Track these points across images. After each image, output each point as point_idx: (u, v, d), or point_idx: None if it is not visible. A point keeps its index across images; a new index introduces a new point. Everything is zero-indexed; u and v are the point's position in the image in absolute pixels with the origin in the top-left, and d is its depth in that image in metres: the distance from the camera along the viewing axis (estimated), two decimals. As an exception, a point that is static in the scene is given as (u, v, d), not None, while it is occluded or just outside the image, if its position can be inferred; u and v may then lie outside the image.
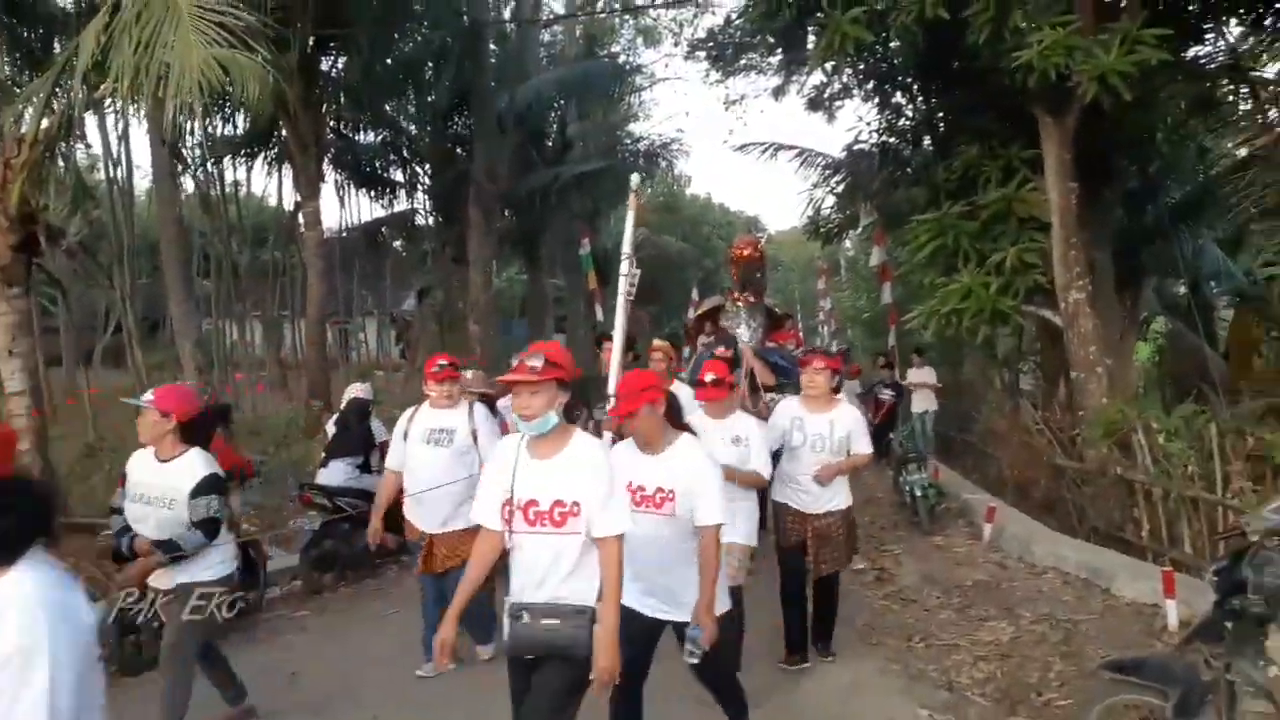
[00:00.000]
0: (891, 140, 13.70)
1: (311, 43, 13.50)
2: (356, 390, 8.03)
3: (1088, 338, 9.42)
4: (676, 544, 3.75)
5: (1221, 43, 10.57)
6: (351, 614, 6.83)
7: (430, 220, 22.46)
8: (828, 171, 15.14)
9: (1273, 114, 9.39)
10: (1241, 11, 10.08)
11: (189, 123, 13.06)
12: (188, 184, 18.64)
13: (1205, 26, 10.43)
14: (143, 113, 11.15)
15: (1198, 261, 14.89)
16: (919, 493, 9.47)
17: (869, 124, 14.27)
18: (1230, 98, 10.55)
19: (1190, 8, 10.28)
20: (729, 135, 70.81)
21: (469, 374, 6.46)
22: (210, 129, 16.73)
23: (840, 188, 15.16)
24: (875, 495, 11.18)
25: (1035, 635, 5.92)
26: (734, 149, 18.39)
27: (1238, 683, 3.07)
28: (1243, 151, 11.08)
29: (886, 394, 14.00)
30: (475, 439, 5.52)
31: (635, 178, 5.98)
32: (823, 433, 5.43)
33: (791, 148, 15.38)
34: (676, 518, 3.72)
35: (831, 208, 15.59)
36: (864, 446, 5.48)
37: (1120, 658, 3.88)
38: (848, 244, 26.83)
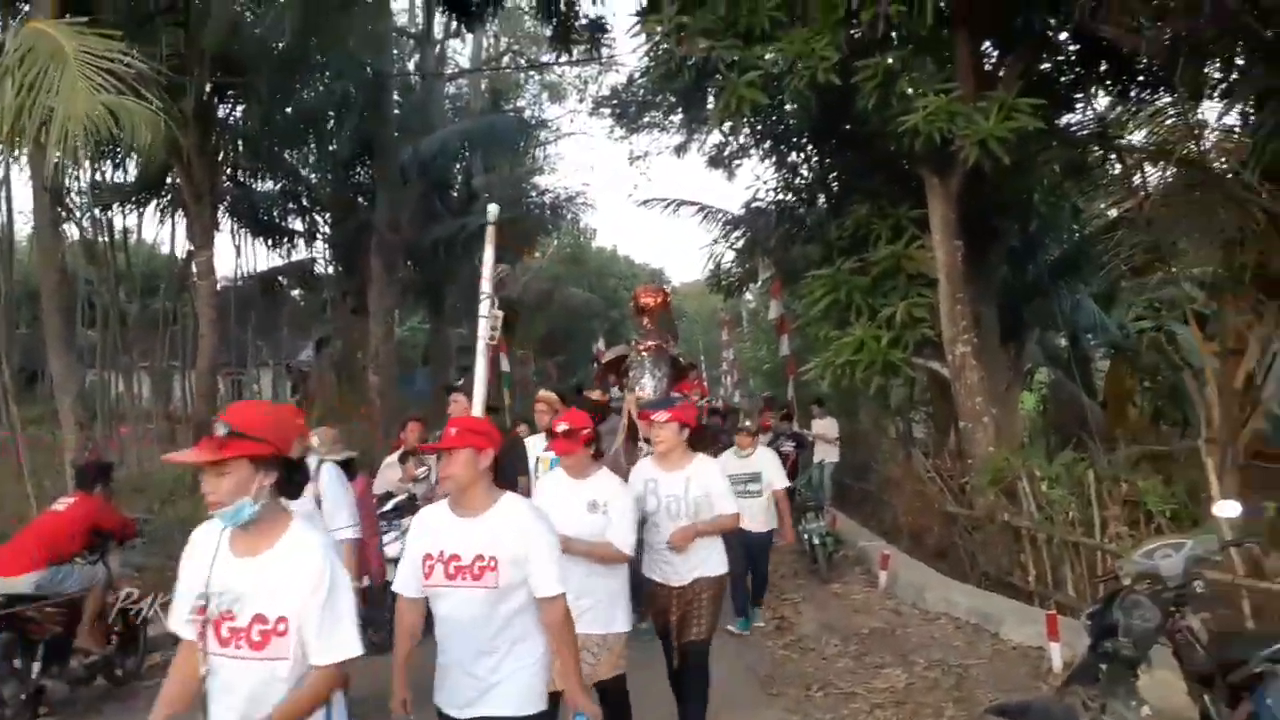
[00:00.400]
0: (788, 198, 14.14)
1: (209, 89, 13.24)
2: None
3: (974, 389, 9.81)
4: (499, 623, 3.11)
5: (1091, 111, 11.30)
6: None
7: (330, 270, 22.06)
8: (728, 227, 15.51)
9: (1138, 179, 10.04)
10: (1109, 83, 10.82)
11: (75, 169, 12.62)
12: (72, 231, 17.94)
13: (1076, 96, 11.15)
14: (24, 158, 10.73)
15: (1076, 316, 15.68)
16: (817, 541, 9.64)
17: (766, 183, 14.73)
18: (1100, 163, 11.24)
19: (1062, 79, 10.99)
20: (633, 190, 71.98)
21: (315, 435, 5.67)
22: (101, 175, 16.19)
23: (740, 243, 15.54)
24: (775, 544, 11.30)
25: (928, 681, 6.06)
26: (638, 203, 18.74)
27: (1112, 723, 3.20)
28: (1113, 213, 11.81)
29: (788, 446, 14.07)
30: (319, 505, 4.79)
31: (493, 209, 5.17)
32: (677, 494, 4.75)
33: (693, 204, 15.73)
34: (499, 589, 3.07)
35: (732, 262, 15.97)
36: (727, 505, 4.80)
37: (1005, 703, 4.01)
38: (749, 296, 27.40)
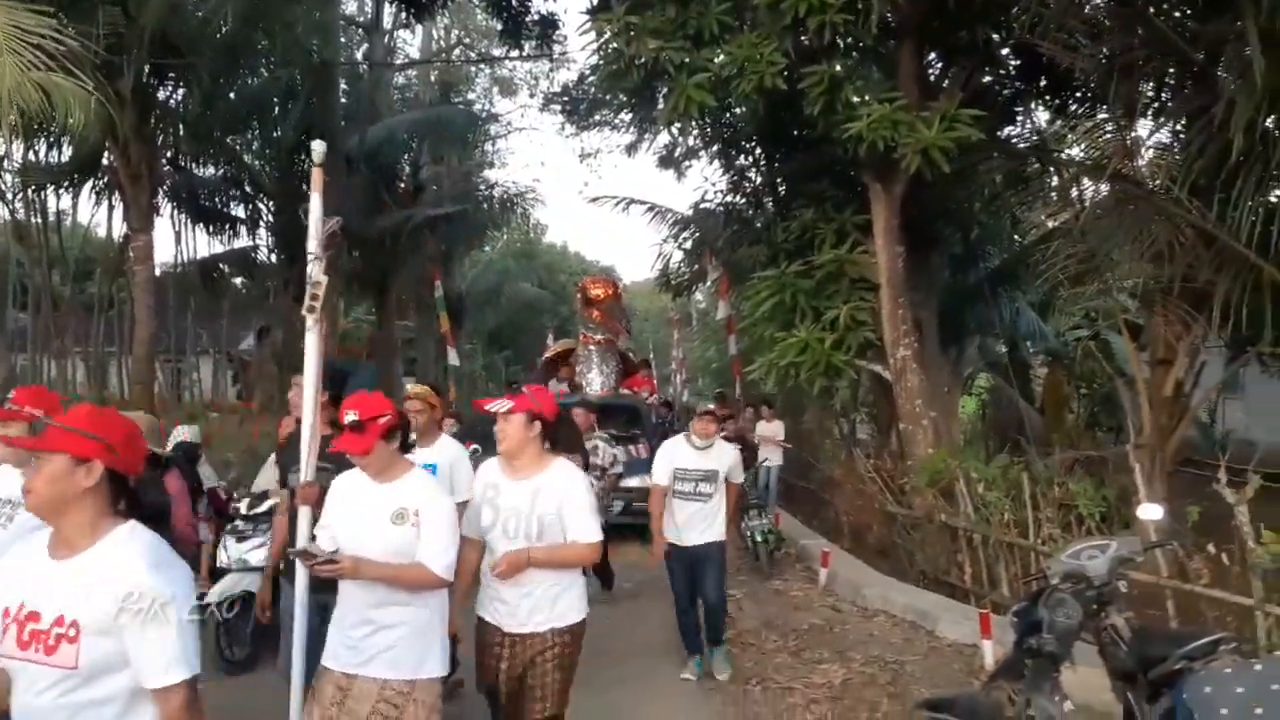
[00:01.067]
0: (736, 200, 14.25)
1: (148, 71, 12.93)
2: (183, 434, 7.64)
3: (914, 392, 9.98)
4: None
5: (1030, 125, 11.58)
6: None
7: (272, 258, 21.68)
8: (677, 227, 15.58)
9: (1075, 192, 10.30)
10: (1048, 98, 11.10)
11: (4, 147, 12.24)
12: (2, 211, 17.40)
13: (1016, 109, 11.42)
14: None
15: (1015, 323, 16.05)
16: (759, 538, 9.73)
17: (715, 184, 14.82)
18: (1039, 175, 11.53)
19: (1004, 92, 11.24)
20: (584, 187, 71.94)
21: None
22: (35, 154, 15.72)
23: (689, 243, 15.62)
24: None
25: (865, 677, 6.15)
26: (589, 200, 18.68)
27: (1036, 717, 3.29)
28: (1051, 224, 12.10)
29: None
30: None
31: (318, 146, 4.30)
32: (518, 507, 3.61)
33: (643, 203, 15.76)
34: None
35: (681, 262, 16.04)
36: (584, 529, 3.60)
37: (935, 697, 4.09)
38: (698, 296, 27.54)
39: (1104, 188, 9.94)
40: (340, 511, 3.41)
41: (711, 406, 6.88)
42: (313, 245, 4.09)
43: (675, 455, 6.27)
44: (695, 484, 6.18)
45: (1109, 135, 9.70)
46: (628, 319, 14.71)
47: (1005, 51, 10.78)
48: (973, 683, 5.88)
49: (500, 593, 3.62)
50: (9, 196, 16.79)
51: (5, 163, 15.33)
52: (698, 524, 6.15)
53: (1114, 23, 9.03)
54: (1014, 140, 11.44)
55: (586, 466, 6.56)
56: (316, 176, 4.23)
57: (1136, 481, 7.32)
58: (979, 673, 6.06)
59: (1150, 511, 4.50)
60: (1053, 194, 11.81)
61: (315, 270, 4.04)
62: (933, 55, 11.07)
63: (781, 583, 9.25)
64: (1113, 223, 9.07)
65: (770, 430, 13.41)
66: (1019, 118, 11.56)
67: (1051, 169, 11.10)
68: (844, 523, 11.61)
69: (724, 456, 6.33)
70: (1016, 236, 15.41)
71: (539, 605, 3.61)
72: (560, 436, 3.86)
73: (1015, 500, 7.89)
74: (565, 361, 14.23)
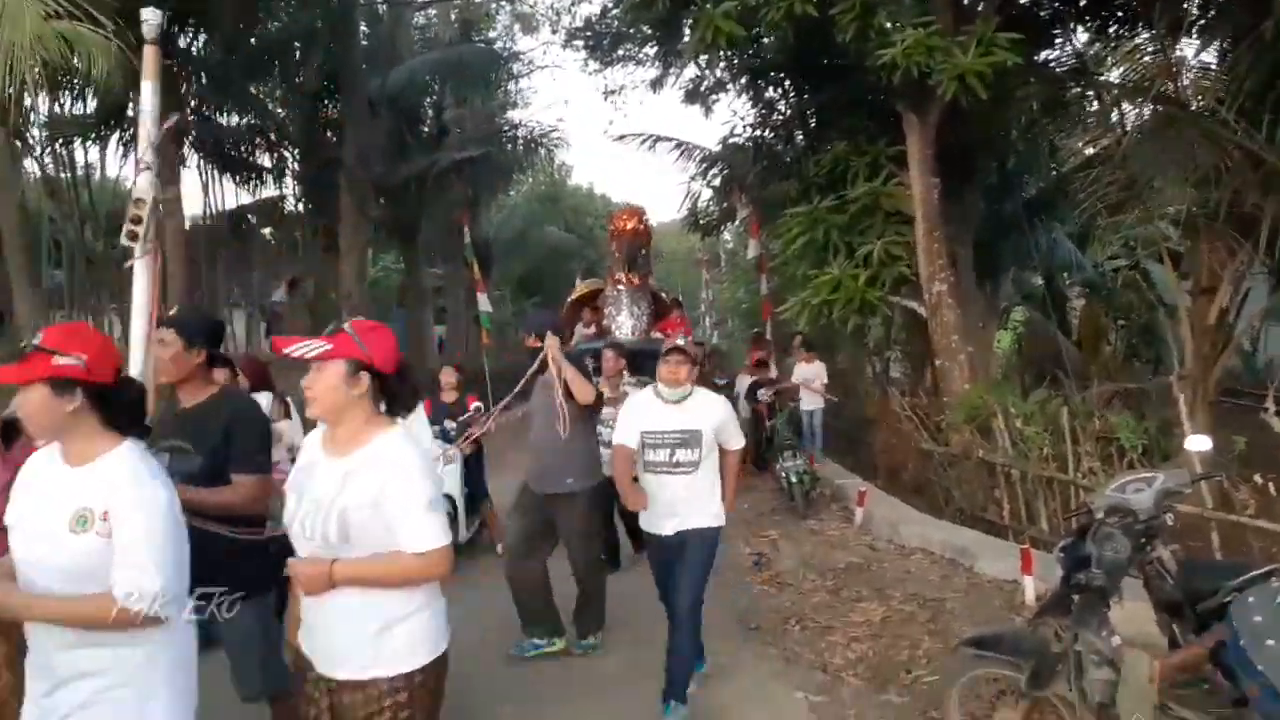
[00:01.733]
0: (765, 135, 13.97)
1: (168, 17, 12.81)
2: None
3: (950, 327, 9.83)
4: None
5: (1069, 47, 11.19)
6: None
7: (300, 207, 21.70)
8: (705, 164, 15.32)
9: (1115, 116, 9.99)
10: (1087, 19, 10.69)
11: (29, 100, 12.23)
12: (31, 167, 17.48)
13: (1055, 32, 11.01)
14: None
15: (1052, 254, 15.74)
16: (794, 479, 9.71)
17: (743, 119, 14.52)
18: (1078, 100, 11.17)
19: (1041, 14, 10.84)
20: (609, 126, 71.04)
21: None
22: (61, 106, 15.73)
23: (717, 180, 15.37)
24: (753, 484, 11.38)
25: (904, 615, 6.15)
26: (614, 139, 18.43)
27: (1084, 653, 3.24)
28: (1090, 150, 11.76)
29: (764, 396, 12.32)
30: None
31: (150, 14, 3.56)
32: (324, 496, 2.45)
33: (670, 139, 15.49)
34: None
35: (709, 200, 15.82)
36: (416, 536, 2.41)
37: (979, 634, 4.05)
38: (726, 236, 27.27)
39: (1146, 111, 9.64)
40: (20, 509, 2.37)
41: (680, 343, 4.79)
42: (144, 148, 3.18)
43: (641, 417, 4.65)
44: (671, 450, 4.57)
45: (1151, 56, 9.38)
46: (649, 252, 13.97)
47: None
48: (1014, 619, 5.85)
49: (308, 617, 2.55)
50: (37, 151, 16.86)
51: (32, 116, 15.35)
52: (691, 503, 4.59)
53: (1158, -63, 8.66)
54: (1052, 64, 11.06)
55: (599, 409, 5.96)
56: (149, 57, 3.36)
57: (1179, 413, 7.19)
58: (1020, 609, 6.03)
59: (1198, 443, 4.39)
60: (1092, 119, 11.46)
61: (143, 183, 3.19)
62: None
63: (818, 523, 9.25)
64: (1155, 147, 8.79)
65: (810, 372, 12.39)
66: (1057, 40, 11.16)
67: (1091, 93, 10.76)
68: (879, 461, 11.56)
69: (709, 412, 4.62)
70: (1054, 165, 15.01)
71: (357, 642, 2.42)
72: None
73: (1054, 435, 7.79)
74: (592, 303, 13.44)
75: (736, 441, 4.72)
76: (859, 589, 6.78)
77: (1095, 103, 10.81)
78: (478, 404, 8.02)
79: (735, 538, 8.68)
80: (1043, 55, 10.98)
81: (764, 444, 11.64)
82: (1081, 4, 10.50)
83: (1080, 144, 13.11)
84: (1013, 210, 13.93)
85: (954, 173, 10.76)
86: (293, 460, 3.46)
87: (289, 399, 6.13)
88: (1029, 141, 13.37)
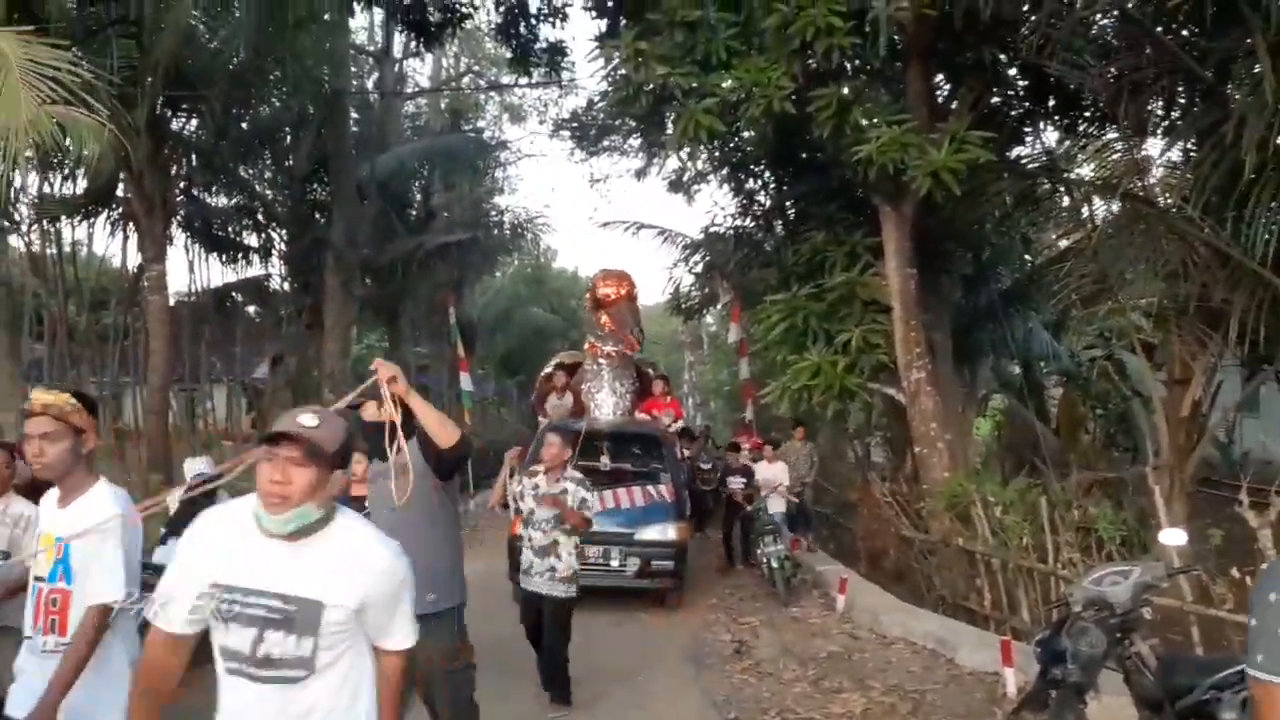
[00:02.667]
0: (746, 224, 14.27)
1: (161, 102, 13.06)
2: (201, 466, 7.61)
3: (929, 414, 9.91)
4: None
5: (1040, 145, 11.57)
6: (196, 704, 6.34)
7: (285, 286, 21.79)
8: (687, 250, 15.60)
9: (1086, 211, 10.28)
10: (1057, 117, 11.08)
11: (19, 179, 12.35)
12: (16, 243, 17.54)
13: (1026, 130, 11.41)
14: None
15: (1028, 343, 15.96)
16: (776, 564, 9.63)
17: (724, 208, 14.90)
18: (1050, 195, 11.50)
19: (1012, 112, 11.24)
20: (594, 212, 72.23)
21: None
22: (50, 185, 15.88)
23: (699, 267, 15.64)
24: (738, 568, 11.29)
25: (885, 707, 6.06)
26: (599, 225, 18.69)
27: (1061, 750, 3.22)
28: (1063, 243, 12.07)
29: (736, 483, 11.35)
30: None
31: None
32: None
33: (653, 227, 15.81)
34: None
35: (692, 285, 16.06)
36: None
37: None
38: (709, 319, 27.56)
39: (1115, 207, 9.95)
40: None
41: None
42: None
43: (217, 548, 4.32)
44: (259, 631, 3.96)
45: (1119, 154, 9.70)
46: (640, 326, 12.06)
47: (1013, 72, 10.78)
48: (995, 712, 5.78)
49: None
50: (24, 228, 16.93)
51: (21, 195, 15.48)
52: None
53: (1122, 41, 9.05)
54: (1024, 160, 11.42)
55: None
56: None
57: (1156, 503, 7.23)
58: (1001, 701, 5.95)
59: (1173, 537, 4.43)
60: (1064, 214, 11.81)
61: None
62: (940, 77, 11.09)
63: (799, 610, 9.16)
64: (1124, 242, 9.05)
65: (771, 473, 11.42)
66: (1028, 138, 11.54)
67: (1062, 189, 11.09)
68: (861, 547, 11.50)
69: (359, 566, 2.65)
70: (1028, 257, 15.38)
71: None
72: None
73: (1033, 524, 7.79)
74: (570, 377, 12.01)
75: (400, 637, 2.40)
76: (840, 679, 6.68)
77: (1066, 198, 11.14)
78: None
79: (716, 624, 8.59)
80: (1014, 152, 11.35)
81: (739, 538, 11.33)
82: (1051, 104, 10.89)
83: (1053, 237, 13.48)
84: (988, 300, 14.19)
85: (930, 263, 10.98)
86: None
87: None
88: (1003, 234, 13.71)
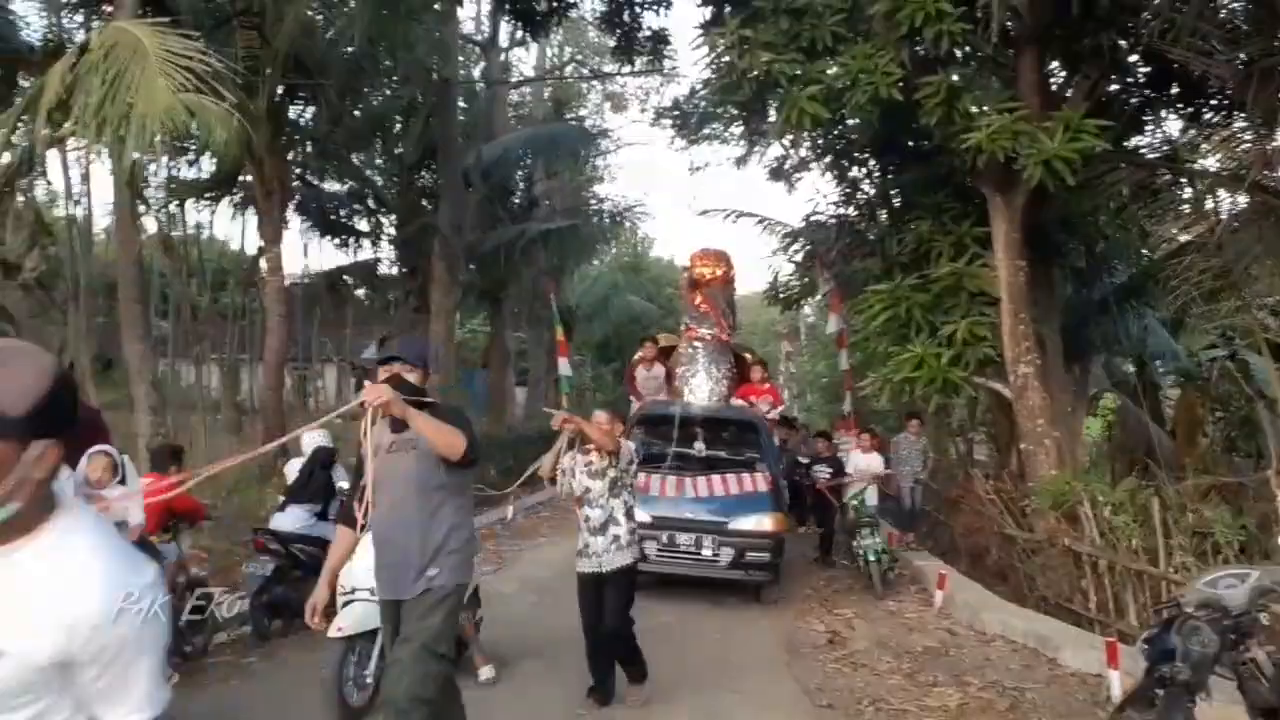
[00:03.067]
0: (848, 212, 14.07)
1: (280, 91, 13.60)
2: (318, 439, 7.90)
3: (1036, 411, 9.64)
4: None
5: (1160, 134, 11.09)
6: (299, 661, 6.67)
7: (394, 270, 22.49)
8: (787, 239, 15.45)
9: (1209, 204, 9.83)
10: (1179, 106, 10.60)
11: (152, 164, 13.06)
12: (149, 224, 18.55)
13: (1145, 118, 10.94)
14: (105, 152, 11.16)
15: (1143, 340, 15.32)
16: (872, 558, 9.53)
17: (826, 196, 14.68)
18: (1169, 186, 11.02)
19: (1131, 100, 10.80)
20: (693, 200, 72.02)
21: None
22: (175, 170, 16.73)
23: (799, 256, 15.47)
24: (834, 560, 11.22)
25: (982, 703, 5.96)
26: (698, 213, 18.65)
27: (1169, 751, 3.14)
28: (1183, 237, 11.55)
29: (823, 472, 11.23)
30: None
31: None
32: None
33: (753, 215, 15.69)
34: None
35: (791, 275, 15.90)
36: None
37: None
38: (807, 310, 27.26)
39: (1241, 199, 9.47)
40: None
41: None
42: None
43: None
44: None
45: (1247, 144, 9.23)
46: (734, 311, 11.66)
47: (1133, 58, 10.35)
48: (1097, 714, 5.64)
49: None
50: (154, 209, 17.89)
51: (153, 178, 16.36)
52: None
53: (1252, 25, 8.59)
54: (1142, 150, 10.97)
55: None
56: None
57: (1278, 509, 6.90)
58: (1104, 703, 5.79)
59: (1296, 540, 4.23)
60: (1185, 206, 11.28)
61: None
62: (1055, 63, 10.72)
63: (895, 603, 9.05)
64: (1251, 236, 8.64)
65: (864, 462, 11.15)
66: (1148, 126, 11.07)
67: (1183, 180, 10.61)
68: (961, 544, 11.28)
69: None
70: (1145, 250, 14.73)
71: None
72: None
73: (1144, 526, 7.53)
74: (664, 359, 11.50)
75: (129, 710, 1.45)
76: (936, 674, 6.60)
77: (1188, 190, 10.66)
78: None
79: (809, 614, 8.57)
80: (1132, 141, 10.91)
81: (829, 534, 11.21)
82: (1174, 91, 10.43)
83: (1173, 230, 12.89)
84: (1102, 295, 13.67)
85: (1041, 255, 10.66)
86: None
87: (123, 456, 5.52)
88: (1119, 226, 13.18)
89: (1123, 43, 9.74)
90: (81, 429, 4.45)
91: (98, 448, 5.04)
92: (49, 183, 17.80)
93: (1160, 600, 6.92)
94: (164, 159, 13.97)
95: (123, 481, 5.18)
